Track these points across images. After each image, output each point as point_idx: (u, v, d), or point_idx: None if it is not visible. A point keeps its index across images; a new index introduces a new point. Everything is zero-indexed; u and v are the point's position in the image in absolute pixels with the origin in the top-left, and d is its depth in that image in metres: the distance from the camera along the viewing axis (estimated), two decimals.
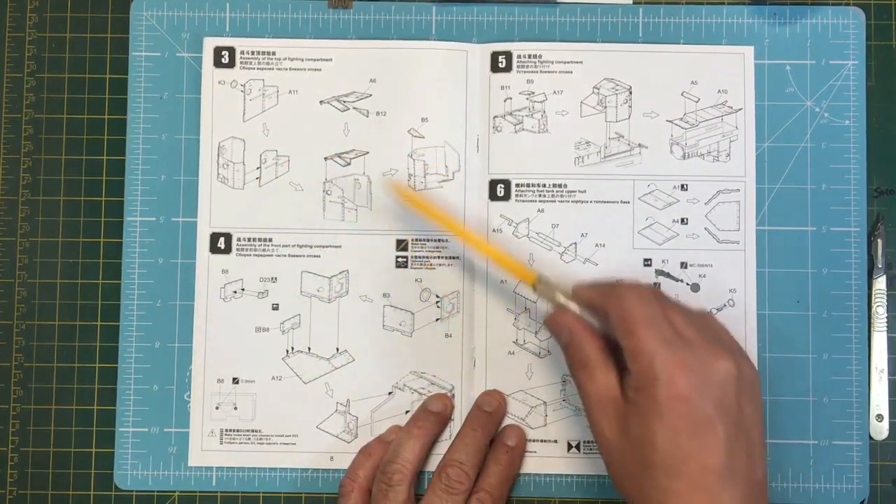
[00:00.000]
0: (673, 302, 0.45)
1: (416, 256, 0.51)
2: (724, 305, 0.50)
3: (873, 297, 0.50)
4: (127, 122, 0.51)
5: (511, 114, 0.51)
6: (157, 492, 0.50)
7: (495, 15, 0.51)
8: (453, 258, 0.50)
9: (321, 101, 0.51)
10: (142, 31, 0.51)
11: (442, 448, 0.49)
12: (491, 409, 0.49)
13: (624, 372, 0.42)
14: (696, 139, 0.51)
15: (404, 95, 0.51)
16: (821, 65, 0.51)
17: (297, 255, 0.51)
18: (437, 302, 0.50)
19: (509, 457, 0.48)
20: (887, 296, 0.50)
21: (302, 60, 0.51)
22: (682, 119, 0.51)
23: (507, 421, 0.50)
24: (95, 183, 0.52)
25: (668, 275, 0.50)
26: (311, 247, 0.51)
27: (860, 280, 0.50)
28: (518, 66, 0.51)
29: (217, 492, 0.50)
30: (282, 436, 0.50)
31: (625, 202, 0.51)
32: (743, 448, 0.41)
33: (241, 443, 0.50)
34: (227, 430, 0.50)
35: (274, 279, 0.51)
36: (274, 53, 0.51)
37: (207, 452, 0.50)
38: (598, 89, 0.51)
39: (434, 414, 0.49)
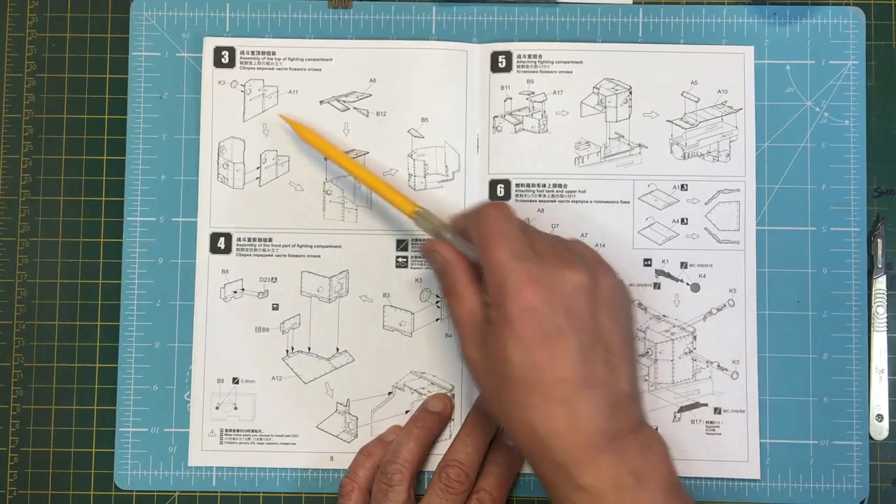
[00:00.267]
0: (537, 228, 0.46)
1: (416, 256, 0.51)
2: (724, 305, 0.50)
3: (873, 297, 0.50)
4: (127, 122, 0.51)
5: (511, 114, 0.51)
6: (157, 492, 0.50)
7: (495, 15, 0.51)
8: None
9: (321, 101, 0.51)
10: (142, 31, 0.51)
11: (442, 448, 0.49)
12: None
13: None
14: (696, 139, 0.51)
15: (404, 95, 0.51)
16: (821, 65, 0.51)
17: (297, 255, 0.51)
18: (437, 302, 0.50)
19: (509, 457, 0.48)
20: (887, 296, 0.50)
21: (302, 60, 0.51)
22: (682, 119, 0.51)
23: None
24: (95, 183, 0.52)
25: (668, 275, 0.50)
26: (311, 247, 0.51)
27: (860, 280, 0.50)
28: (518, 66, 0.51)
29: (217, 492, 0.50)
30: (282, 436, 0.50)
31: (625, 202, 0.51)
32: (601, 358, 0.41)
33: (241, 443, 0.50)
34: (227, 430, 0.50)
35: (274, 279, 0.51)
36: (274, 53, 0.51)
37: (207, 452, 0.50)
38: (598, 89, 0.51)
39: (434, 414, 0.49)
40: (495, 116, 0.51)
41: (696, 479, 0.50)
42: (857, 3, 0.51)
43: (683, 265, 0.50)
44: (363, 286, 0.51)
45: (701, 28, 0.51)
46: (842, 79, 0.51)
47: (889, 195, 0.51)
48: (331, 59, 0.51)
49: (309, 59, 0.51)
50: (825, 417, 0.50)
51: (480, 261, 0.43)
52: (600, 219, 0.50)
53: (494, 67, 0.51)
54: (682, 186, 0.51)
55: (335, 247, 0.51)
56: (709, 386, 0.50)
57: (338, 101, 0.51)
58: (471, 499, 0.47)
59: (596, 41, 0.51)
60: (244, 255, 0.51)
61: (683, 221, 0.51)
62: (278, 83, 0.51)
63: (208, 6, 0.52)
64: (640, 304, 0.50)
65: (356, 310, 0.50)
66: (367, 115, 0.51)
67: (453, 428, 0.50)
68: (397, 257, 0.51)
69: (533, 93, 0.51)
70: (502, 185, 0.51)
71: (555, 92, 0.51)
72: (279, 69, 0.51)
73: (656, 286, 0.50)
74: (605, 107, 0.51)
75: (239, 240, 0.51)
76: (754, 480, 0.49)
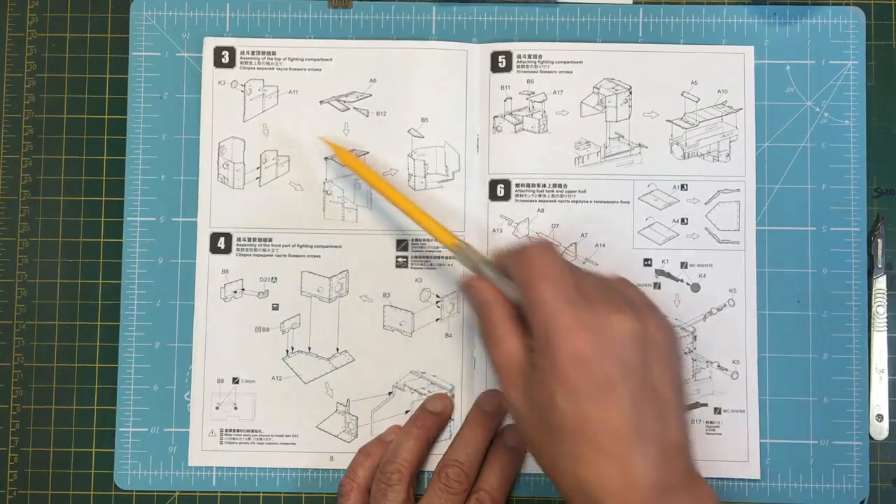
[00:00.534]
0: (582, 268, 0.43)
1: (416, 256, 0.51)
2: (724, 305, 0.50)
3: (873, 297, 0.50)
4: (127, 122, 0.51)
5: (511, 114, 0.51)
6: (157, 492, 0.50)
7: (495, 15, 0.51)
8: (453, 258, 0.50)
9: (321, 101, 0.51)
10: (142, 31, 0.51)
11: (442, 448, 0.49)
12: (491, 409, 0.49)
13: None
14: (696, 139, 0.51)
15: (404, 95, 0.51)
16: (821, 65, 0.51)
17: (297, 255, 0.51)
18: (437, 302, 0.50)
19: (509, 457, 0.48)
20: (887, 296, 0.50)
21: (302, 60, 0.51)
22: (682, 119, 0.51)
23: (507, 421, 0.50)
24: (95, 183, 0.52)
25: (668, 275, 0.50)
26: (311, 247, 0.51)
27: (860, 280, 0.50)
28: (518, 66, 0.51)
29: (217, 492, 0.50)
30: (282, 436, 0.50)
31: (625, 202, 0.51)
32: (652, 408, 0.39)
33: (241, 443, 0.50)
34: (227, 430, 0.50)
35: (274, 279, 0.51)
36: (274, 53, 0.51)
37: (207, 452, 0.50)
38: (598, 89, 0.51)
39: (434, 414, 0.49)
40: (495, 116, 0.51)
41: None
42: (857, 3, 0.51)
43: (683, 265, 0.50)
44: (363, 286, 0.51)
45: (701, 28, 0.51)
46: (842, 79, 0.51)
47: (889, 195, 0.51)
48: (331, 59, 0.51)
49: (309, 59, 0.51)
50: (825, 417, 0.50)
51: (523, 302, 0.41)
52: (600, 219, 0.50)
53: (494, 67, 0.51)
54: (682, 186, 0.51)
55: (335, 247, 0.51)
56: (709, 386, 0.50)
57: (338, 100, 0.51)
58: (470, 499, 0.47)
59: (596, 41, 0.51)
60: (244, 255, 0.51)
61: (683, 221, 0.51)
62: (278, 83, 0.51)
63: (208, 6, 0.52)
64: None
65: (356, 310, 0.50)
66: (367, 115, 0.51)
67: (453, 428, 0.50)
68: (397, 257, 0.51)
69: (533, 93, 0.51)
70: (502, 185, 0.51)
71: (555, 92, 0.51)
72: (279, 69, 0.51)
73: (656, 286, 0.50)
74: (605, 107, 0.51)
75: (239, 240, 0.51)
76: (754, 480, 0.49)
